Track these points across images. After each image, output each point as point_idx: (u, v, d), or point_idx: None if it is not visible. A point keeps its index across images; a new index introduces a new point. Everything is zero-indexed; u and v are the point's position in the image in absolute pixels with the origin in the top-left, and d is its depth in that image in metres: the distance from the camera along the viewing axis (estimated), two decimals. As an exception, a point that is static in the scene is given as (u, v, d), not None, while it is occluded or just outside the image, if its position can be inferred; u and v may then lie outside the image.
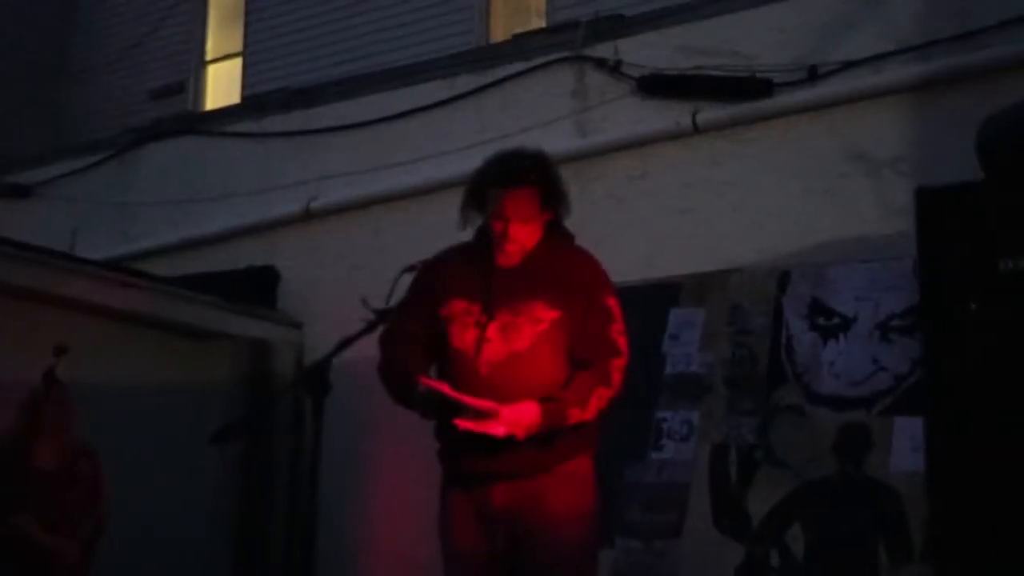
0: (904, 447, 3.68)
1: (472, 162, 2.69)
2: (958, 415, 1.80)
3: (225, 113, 7.23)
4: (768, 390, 4.21)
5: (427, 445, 2.62)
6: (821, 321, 4.24)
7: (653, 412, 4.36)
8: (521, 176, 2.50)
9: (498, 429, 2.35)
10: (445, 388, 2.41)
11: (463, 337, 2.49)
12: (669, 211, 5.09)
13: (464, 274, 2.57)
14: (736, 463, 4.11)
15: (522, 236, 2.51)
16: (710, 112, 5.08)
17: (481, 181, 2.56)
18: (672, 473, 4.21)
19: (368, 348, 2.60)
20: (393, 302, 2.60)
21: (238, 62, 8.78)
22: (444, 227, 2.69)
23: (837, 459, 3.92)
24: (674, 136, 5.17)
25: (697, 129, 5.09)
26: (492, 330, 2.46)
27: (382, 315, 2.58)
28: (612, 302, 2.55)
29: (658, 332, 4.53)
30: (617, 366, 2.48)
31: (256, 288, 6.19)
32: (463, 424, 2.36)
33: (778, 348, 4.27)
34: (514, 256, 2.52)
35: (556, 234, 2.60)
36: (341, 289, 5.39)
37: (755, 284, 4.49)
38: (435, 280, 2.60)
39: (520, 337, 2.45)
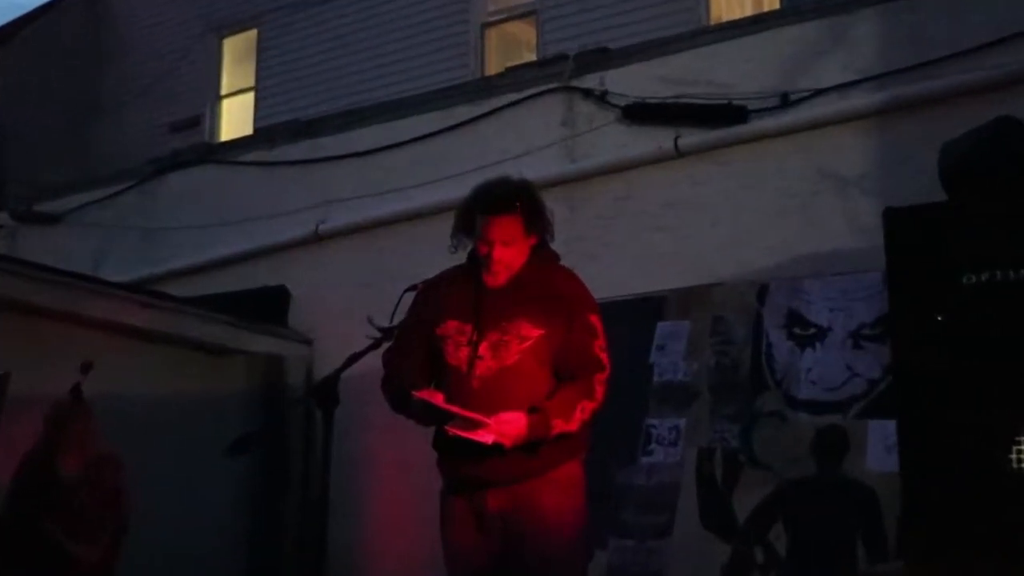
0: (878, 448, 3.66)
1: (469, 187, 2.68)
2: (927, 419, 1.79)
3: (239, 144, 7.20)
4: (750, 396, 4.19)
5: (429, 454, 2.60)
6: (798, 331, 4.23)
7: (643, 419, 4.33)
8: (504, 203, 2.52)
9: (486, 437, 2.36)
10: (438, 399, 2.42)
11: (457, 355, 2.51)
12: (654, 230, 5.07)
13: (457, 295, 2.58)
14: (721, 465, 4.09)
15: (506, 258, 2.52)
16: (690, 137, 5.08)
17: (469, 208, 2.58)
18: (662, 476, 4.19)
19: (375, 363, 2.58)
20: (397, 320, 2.59)
21: (250, 96, 8.79)
22: (444, 248, 2.68)
23: (816, 460, 3.90)
24: (657, 160, 5.16)
25: (678, 153, 5.09)
26: (483, 348, 2.48)
27: (387, 333, 2.58)
28: (594, 319, 2.55)
29: (646, 344, 4.50)
30: (600, 380, 2.49)
31: (269, 307, 6.15)
32: (453, 431, 2.38)
33: (759, 357, 4.25)
34: (500, 277, 2.53)
35: (541, 256, 2.61)
36: (348, 307, 5.37)
37: (736, 297, 4.47)
38: (431, 302, 2.61)
39: (508, 353, 2.47)
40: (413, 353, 2.59)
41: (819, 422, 3.97)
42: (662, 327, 4.55)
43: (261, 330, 5.98)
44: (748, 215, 4.86)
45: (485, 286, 2.55)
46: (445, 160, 5.68)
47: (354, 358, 2.49)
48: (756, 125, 4.95)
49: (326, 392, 2.47)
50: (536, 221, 2.56)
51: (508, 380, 2.45)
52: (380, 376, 2.63)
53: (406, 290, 2.61)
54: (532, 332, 2.47)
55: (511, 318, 2.49)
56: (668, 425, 4.29)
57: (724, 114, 5.00)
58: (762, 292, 4.41)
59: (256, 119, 8.51)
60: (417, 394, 2.42)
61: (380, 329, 2.57)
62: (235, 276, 6.43)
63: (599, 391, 2.48)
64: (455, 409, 2.39)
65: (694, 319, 4.51)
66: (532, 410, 2.41)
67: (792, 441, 3.99)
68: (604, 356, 2.52)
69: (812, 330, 4.19)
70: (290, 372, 5.95)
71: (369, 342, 2.53)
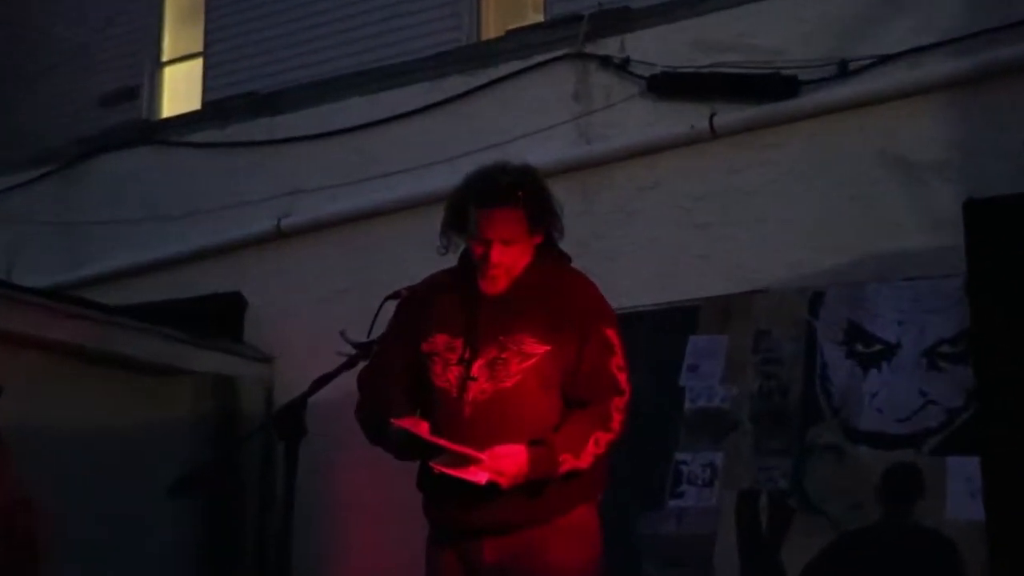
0: (959, 491, 3.62)
1: (463, 173, 2.70)
2: (1019, 455, 1.78)
3: (184, 121, 7.26)
4: (801, 427, 4.20)
5: (412, 495, 2.62)
6: (860, 348, 4.25)
7: (671, 454, 4.35)
8: (502, 194, 2.53)
9: (479, 476, 2.36)
10: (423, 429, 2.42)
11: (446, 375, 2.52)
12: (684, 225, 5.10)
13: (448, 304, 2.59)
14: (767, 511, 4.11)
15: (506, 260, 2.54)
16: (729, 114, 5.11)
17: (461, 200, 2.60)
18: (694, 523, 4.20)
19: (348, 385, 2.59)
20: (376, 334, 2.60)
21: (198, 63, 8.76)
22: (432, 246, 2.69)
23: (882, 505, 3.91)
24: (689, 141, 5.19)
25: (714, 133, 5.12)
26: (477, 367, 2.49)
27: (363, 349, 2.58)
28: (611, 333, 2.56)
29: (675, 363, 4.53)
30: (617, 406, 2.50)
31: (220, 317, 6.19)
32: (440, 468, 2.38)
33: (812, 379, 4.27)
34: (498, 282, 2.55)
35: (548, 257, 2.62)
36: (316, 317, 5.41)
37: (784, 307, 4.50)
38: (417, 312, 2.62)
39: (507, 374, 2.47)
40: (394, 374, 2.60)
41: (886, 459, 3.98)
42: (695, 343, 4.58)
43: (210, 346, 5.99)
44: (798, 208, 4.88)
45: (481, 293, 2.55)
46: (434, 142, 5.71)
47: (323, 380, 2.48)
48: (809, 100, 4.98)
49: (289, 421, 2.47)
50: (542, 215, 2.57)
51: (506, 406, 2.45)
52: (354, 401, 2.64)
53: (386, 298, 2.60)
54: (536, 348, 2.48)
55: (511, 332, 2.49)
56: (702, 461, 4.31)
57: (770, 87, 5.02)
58: (815, 301, 4.43)
59: (205, 91, 8.51)
60: (397, 423, 2.42)
61: (355, 345, 2.57)
62: (180, 281, 6.45)
63: (616, 419, 2.48)
64: (443, 442, 2.39)
65: (733, 333, 4.54)
66: (535, 443, 2.41)
67: (853, 482, 4.00)
68: (623, 377, 2.53)
69: (877, 347, 4.20)
70: (246, 396, 5.98)
71: (342, 360, 2.53)
